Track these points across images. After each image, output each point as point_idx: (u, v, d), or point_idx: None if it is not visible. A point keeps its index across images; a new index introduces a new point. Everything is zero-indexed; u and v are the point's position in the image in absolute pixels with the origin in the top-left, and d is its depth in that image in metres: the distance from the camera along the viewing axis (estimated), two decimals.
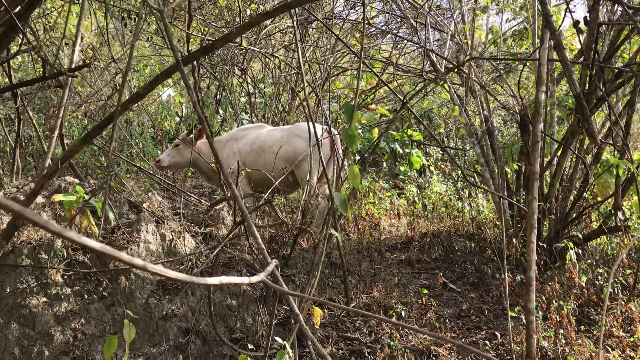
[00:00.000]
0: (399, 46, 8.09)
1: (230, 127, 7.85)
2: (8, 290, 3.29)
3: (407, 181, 8.26)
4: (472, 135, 5.28)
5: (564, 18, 4.11)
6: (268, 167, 5.02)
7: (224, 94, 8.23)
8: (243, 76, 7.95)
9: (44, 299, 3.30)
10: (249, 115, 8.07)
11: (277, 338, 2.15)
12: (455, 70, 5.19)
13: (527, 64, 5.54)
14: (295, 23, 3.81)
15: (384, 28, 8.01)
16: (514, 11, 6.19)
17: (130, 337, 1.82)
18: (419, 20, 5.52)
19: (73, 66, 3.31)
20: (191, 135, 5.34)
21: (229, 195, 4.07)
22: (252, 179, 5.21)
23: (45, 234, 3.53)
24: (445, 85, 5.30)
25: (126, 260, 0.65)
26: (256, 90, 8.00)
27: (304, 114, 7.47)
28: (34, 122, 5.01)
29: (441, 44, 7.66)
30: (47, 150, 3.21)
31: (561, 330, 3.64)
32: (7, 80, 4.29)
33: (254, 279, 0.98)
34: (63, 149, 4.57)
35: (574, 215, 4.80)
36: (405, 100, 3.95)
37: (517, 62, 5.45)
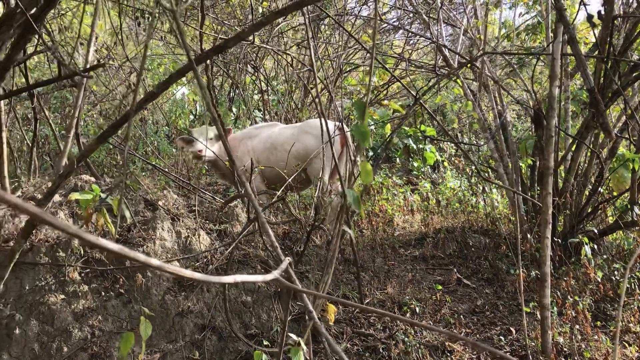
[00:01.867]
0: (411, 42, 8.05)
1: (243, 125, 7.89)
2: (27, 287, 3.35)
3: (420, 177, 8.23)
4: (486, 130, 5.25)
5: (578, 11, 4.05)
6: (281, 164, 5.05)
7: (237, 91, 8.26)
8: (256, 74, 7.97)
9: (62, 297, 3.36)
10: (262, 112, 8.10)
11: (291, 334, 2.17)
12: (468, 65, 5.16)
13: (541, 58, 5.50)
14: (307, 20, 3.81)
15: (396, 24, 7.98)
16: (527, 5, 6.13)
17: (147, 333, 1.85)
18: (431, 15, 5.50)
19: (88, 66, 3.35)
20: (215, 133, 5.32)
21: (242, 192, 4.10)
22: (266, 176, 5.25)
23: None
24: (458, 80, 5.27)
25: (142, 260, 0.67)
26: (269, 88, 8.02)
27: (316, 110, 7.48)
28: (50, 121, 5.08)
29: (454, 39, 7.62)
30: (63, 150, 3.25)
31: (577, 326, 3.62)
32: (23, 80, 4.36)
33: (268, 277, 1.00)
34: (79, 148, 4.63)
35: (589, 210, 4.76)
36: (417, 96, 3.94)
37: (530, 57, 5.41)
